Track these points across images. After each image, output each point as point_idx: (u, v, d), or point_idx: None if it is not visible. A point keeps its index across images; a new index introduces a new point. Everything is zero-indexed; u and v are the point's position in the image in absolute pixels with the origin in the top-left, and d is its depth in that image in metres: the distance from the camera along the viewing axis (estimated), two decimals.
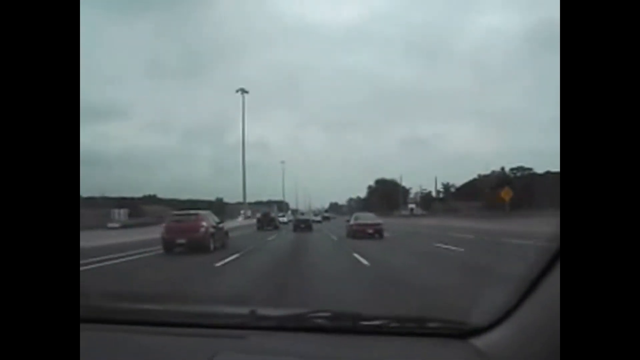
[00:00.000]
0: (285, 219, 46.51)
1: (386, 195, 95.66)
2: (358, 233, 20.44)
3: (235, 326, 1.31)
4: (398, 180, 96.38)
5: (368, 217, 23.22)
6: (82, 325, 0.98)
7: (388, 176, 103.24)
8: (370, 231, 20.47)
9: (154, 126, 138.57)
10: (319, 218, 52.60)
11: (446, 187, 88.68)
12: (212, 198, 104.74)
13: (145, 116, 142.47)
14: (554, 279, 0.86)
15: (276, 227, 35.12)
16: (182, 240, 14.33)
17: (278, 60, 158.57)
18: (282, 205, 64.94)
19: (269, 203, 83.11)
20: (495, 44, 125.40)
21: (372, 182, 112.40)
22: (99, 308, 1.47)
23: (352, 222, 22.50)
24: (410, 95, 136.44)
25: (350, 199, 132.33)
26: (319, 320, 1.31)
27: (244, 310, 1.38)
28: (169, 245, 14.54)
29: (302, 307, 1.40)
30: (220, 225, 17.02)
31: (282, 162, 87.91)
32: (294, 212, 62.96)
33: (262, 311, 1.37)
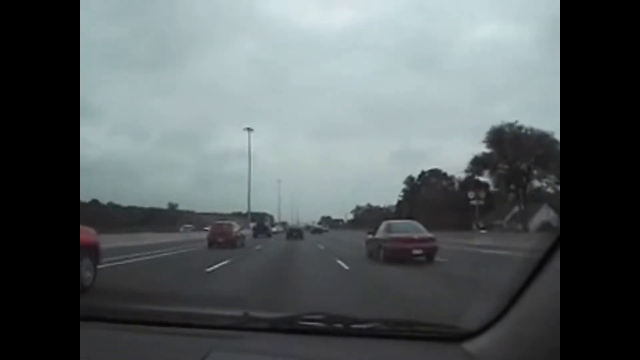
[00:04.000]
0: (275, 229, 54.98)
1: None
2: (396, 254, 12.97)
3: (229, 327, 1.37)
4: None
5: (411, 228, 14.28)
6: (82, 324, 1.01)
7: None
8: (418, 252, 13.13)
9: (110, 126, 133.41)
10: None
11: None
12: (165, 205, 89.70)
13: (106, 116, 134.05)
14: (543, 282, 0.88)
15: (269, 235, 43.47)
16: (220, 240, 22.80)
17: (259, 62, 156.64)
18: (255, 217, 59.40)
19: (248, 214, 79.87)
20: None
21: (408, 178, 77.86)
22: (98, 307, 1.55)
23: (380, 235, 14.27)
24: (405, 108, 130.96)
25: (358, 208, 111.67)
26: (312, 323, 1.36)
27: (238, 312, 1.42)
28: (212, 242, 22.95)
29: (295, 311, 1.45)
30: (242, 231, 26.20)
31: (249, 129, 61.81)
32: (284, 224, 70.26)
33: (256, 313, 1.42)
